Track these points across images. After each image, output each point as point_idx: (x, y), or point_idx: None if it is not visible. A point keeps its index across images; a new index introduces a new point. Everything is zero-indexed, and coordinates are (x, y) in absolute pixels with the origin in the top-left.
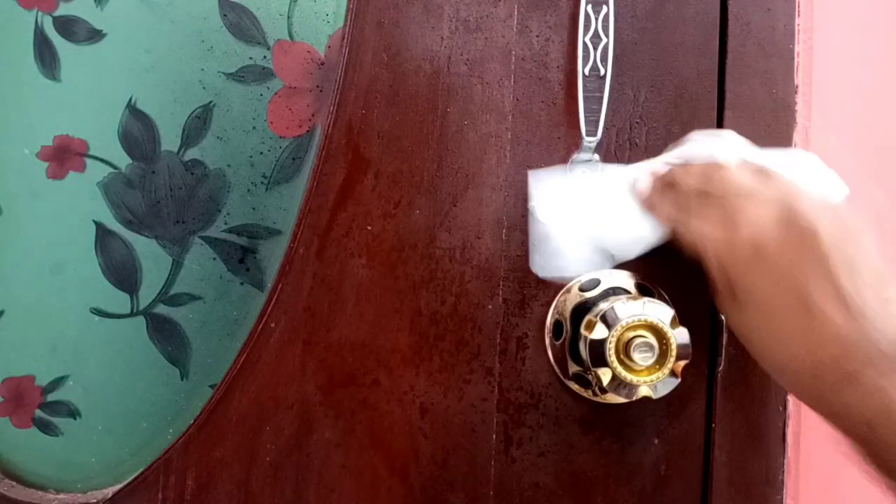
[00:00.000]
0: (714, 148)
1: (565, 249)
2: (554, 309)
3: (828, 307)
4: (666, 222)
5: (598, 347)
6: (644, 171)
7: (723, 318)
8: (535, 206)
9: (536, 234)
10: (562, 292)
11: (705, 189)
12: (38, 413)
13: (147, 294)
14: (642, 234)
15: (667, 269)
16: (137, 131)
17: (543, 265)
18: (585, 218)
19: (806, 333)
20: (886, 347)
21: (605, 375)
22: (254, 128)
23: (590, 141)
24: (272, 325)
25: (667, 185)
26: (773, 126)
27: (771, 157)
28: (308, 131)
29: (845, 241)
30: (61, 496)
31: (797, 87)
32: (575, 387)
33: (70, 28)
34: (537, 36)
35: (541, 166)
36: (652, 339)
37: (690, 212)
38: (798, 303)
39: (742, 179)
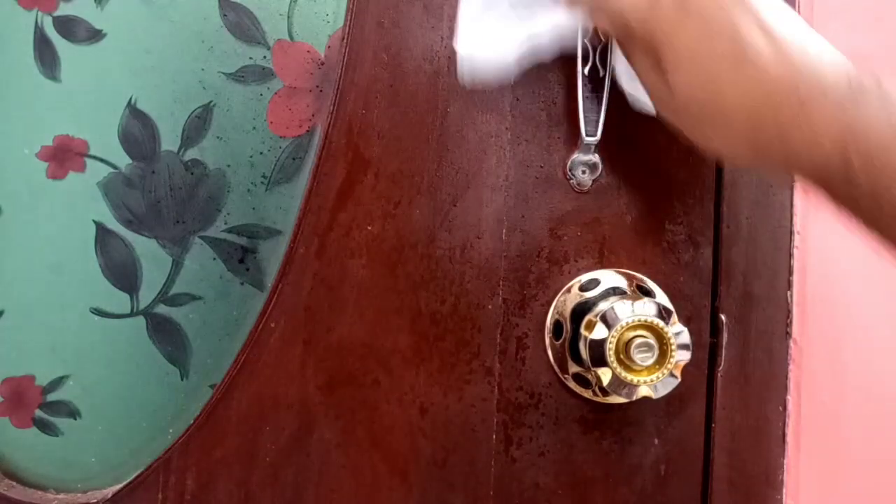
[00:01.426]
0: None
1: (489, 28)
2: (554, 309)
3: (759, 43)
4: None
5: (598, 347)
6: None
7: (661, 115)
8: None
9: (464, 12)
10: (562, 292)
11: None
12: (38, 413)
13: (147, 294)
14: (556, 20)
15: (667, 269)
16: (137, 131)
17: (470, 45)
18: None
19: (743, 79)
20: (831, 75)
21: (605, 375)
22: (254, 128)
23: (590, 141)
24: (272, 325)
25: None
26: None
27: None
28: (308, 131)
29: None
30: (61, 496)
31: None
32: (575, 387)
33: (70, 28)
34: None
35: (541, 166)
36: (652, 339)
37: None
38: (729, 48)
39: None
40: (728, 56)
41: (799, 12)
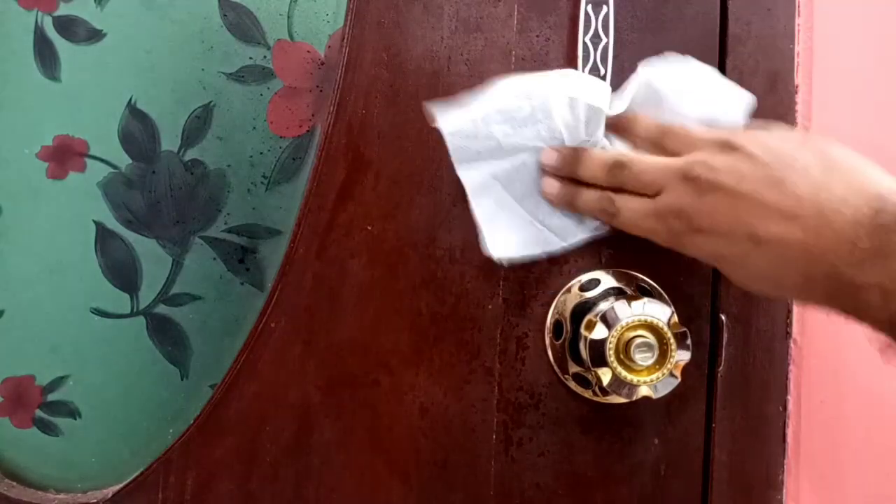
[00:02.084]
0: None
1: (510, 227)
2: (554, 309)
3: (779, 227)
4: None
5: (598, 347)
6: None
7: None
8: (465, 181)
9: (479, 214)
10: (562, 292)
11: (617, 177)
12: (39, 413)
13: (147, 294)
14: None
15: (667, 269)
16: (137, 131)
17: (496, 245)
18: (516, 188)
19: (777, 264)
20: (864, 241)
21: (605, 375)
22: (254, 128)
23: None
24: (272, 325)
25: (571, 185)
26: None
27: (665, 81)
28: (308, 131)
29: (757, 166)
30: (61, 496)
31: (797, 87)
32: (575, 387)
33: (70, 28)
34: (537, 36)
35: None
36: (652, 339)
37: (602, 196)
38: (745, 238)
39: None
40: (744, 241)
41: (799, 12)
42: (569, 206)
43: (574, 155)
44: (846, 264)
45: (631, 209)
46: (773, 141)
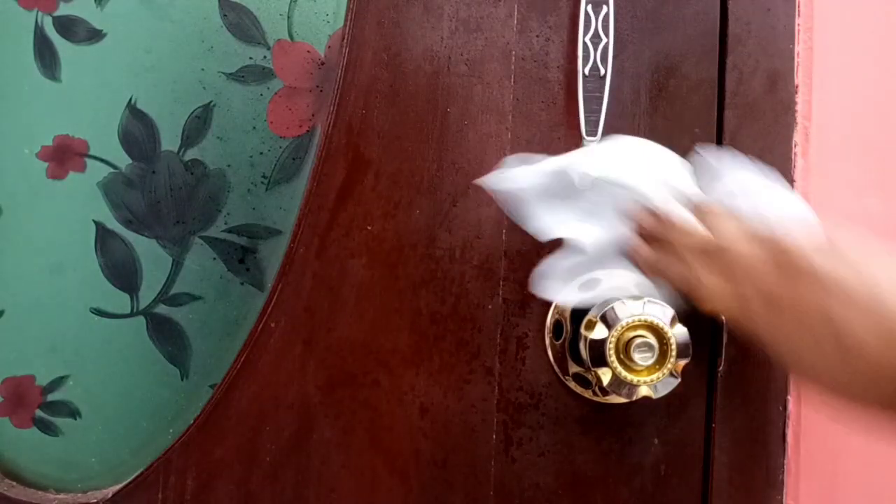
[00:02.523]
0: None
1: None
2: (554, 309)
3: (858, 331)
4: (667, 281)
5: (598, 347)
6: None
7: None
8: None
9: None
10: None
11: (698, 246)
12: (39, 413)
13: (147, 294)
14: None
15: None
16: (137, 131)
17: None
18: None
19: (848, 362)
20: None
21: (605, 375)
22: (254, 128)
23: (590, 141)
24: (272, 325)
25: (654, 241)
26: (773, 126)
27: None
28: (308, 131)
29: (836, 263)
30: (61, 496)
31: (797, 87)
32: (575, 387)
33: (70, 28)
34: (537, 36)
35: None
36: (652, 339)
37: (691, 270)
38: (830, 337)
39: (727, 230)
40: (828, 342)
41: (799, 12)
42: (656, 274)
43: (659, 222)
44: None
45: (719, 291)
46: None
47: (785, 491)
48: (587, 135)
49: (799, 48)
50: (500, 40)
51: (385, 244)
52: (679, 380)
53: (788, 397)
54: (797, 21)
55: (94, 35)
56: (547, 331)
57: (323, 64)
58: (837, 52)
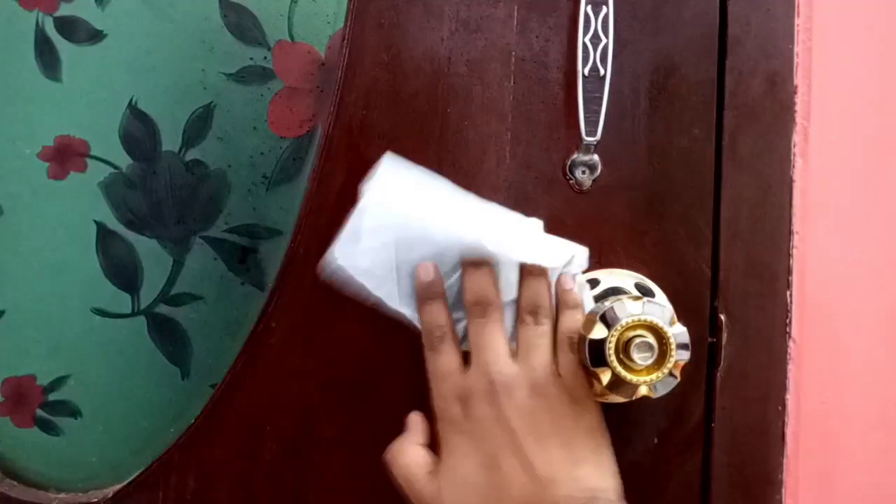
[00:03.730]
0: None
1: (376, 269)
2: None
3: (515, 473)
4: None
5: (597, 347)
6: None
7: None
8: (370, 200)
9: (355, 230)
10: None
11: (473, 320)
12: (39, 412)
13: (148, 294)
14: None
15: (667, 269)
16: (138, 131)
17: (350, 261)
18: (412, 248)
19: (496, 496)
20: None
21: (605, 375)
22: (254, 128)
23: (590, 141)
24: (272, 324)
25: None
26: (772, 126)
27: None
28: (308, 131)
29: (533, 419)
30: (62, 496)
31: (797, 87)
32: None
33: (71, 28)
34: (537, 36)
35: (541, 166)
36: (652, 339)
37: (446, 334)
38: (489, 467)
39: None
40: (484, 475)
41: (799, 12)
42: (421, 299)
43: (474, 263)
44: None
45: (445, 366)
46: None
47: (784, 490)
48: (587, 135)
49: (798, 48)
50: (500, 41)
51: None
52: (679, 380)
53: (788, 397)
54: (797, 21)
55: (95, 35)
56: None
57: (323, 64)
58: (837, 52)
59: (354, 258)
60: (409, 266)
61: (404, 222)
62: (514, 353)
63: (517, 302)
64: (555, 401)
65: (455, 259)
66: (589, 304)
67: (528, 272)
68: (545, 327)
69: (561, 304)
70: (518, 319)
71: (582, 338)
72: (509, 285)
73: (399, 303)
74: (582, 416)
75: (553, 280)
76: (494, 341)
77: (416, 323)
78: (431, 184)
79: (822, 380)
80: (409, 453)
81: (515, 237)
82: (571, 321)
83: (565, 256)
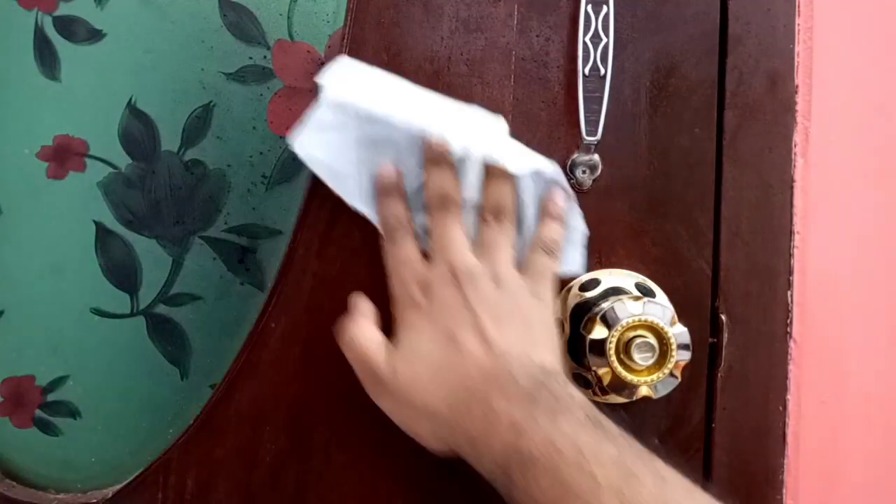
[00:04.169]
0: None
1: (337, 163)
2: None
3: (472, 346)
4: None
5: (598, 347)
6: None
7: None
8: (329, 94)
9: (317, 120)
10: (562, 292)
11: (433, 215)
12: (39, 413)
13: (147, 294)
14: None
15: (667, 269)
16: (137, 131)
17: (308, 150)
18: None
19: (452, 367)
20: (524, 381)
21: (605, 375)
22: (254, 128)
23: (590, 141)
24: (272, 325)
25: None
26: (773, 126)
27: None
28: None
29: (493, 303)
30: (61, 496)
31: (797, 87)
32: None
33: (70, 28)
34: (537, 36)
35: None
36: (652, 339)
37: (406, 225)
38: (447, 341)
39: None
40: (441, 348)
41: (799, 12)
42: (380, 195)
43: (433, 160)
44: (499, 392)
45: (406, 253)
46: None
47: (785, 490)
48: (587, 135)
49: (799, 48)
50: (500, 40)
51: None
52: (679, 380)
53: (788, 397)
54: (797, 21)
55: (94, 35)
56: None
57: (323, 64)
58: (837, 52)
59: (313, 148)
60: (371, 165)
61: (367, 120)
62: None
63: (481, 204)
64: (516, 293)
65: (418, 161)
66: (576, 223)
67: (491, 174)
68: (507, 227)
69: (545, 212)
70: (480, 219)
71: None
72: (472, 187)
73: (359, 201)
74: (541, 310)
75: (522, 186)
76: (456, 234)
77: (376, 222)
78: (393, 82)
79: (823, 380)
80: (366, 332)
81: (481, 137)
82: (550, 230)
83: (531, 165)
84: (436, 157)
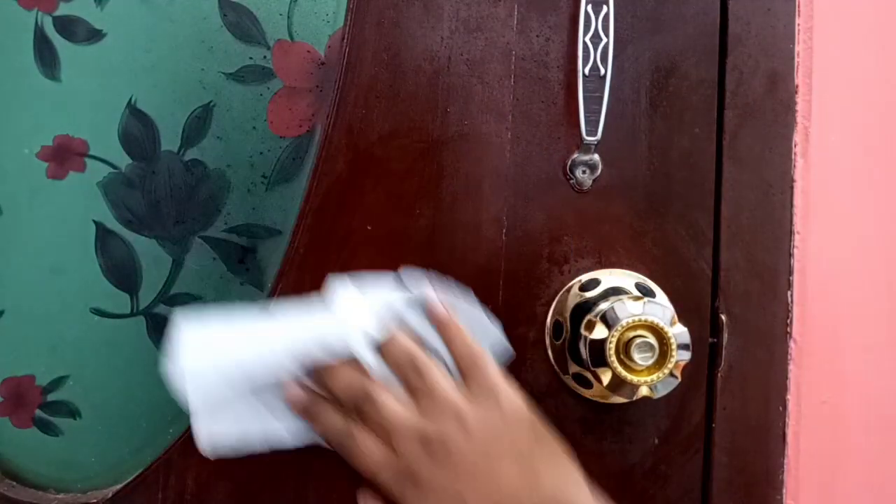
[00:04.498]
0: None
1: (235, 415)
2: (554, 309)
3: None
4: (326, 436)
5: (598, 347)
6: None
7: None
8: (187, 371)
9: (195, 408)
10: (562, 292)
11: (363, 409)
12: (39, 413)
13: (147, 294)
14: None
15: (667, 269)
16: (137, 131)
17: (212, 434)
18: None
19: None
20: None
21: (605, 375)
22: (254, 128)
23: (590, 141)
24: None
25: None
26: (773, 126)
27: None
28: (308, 131)
29: (478, 445)
30: (61, 496)
31: (797, 87)
32: (575, 387)
33: (70, 28)
34: (537, 36)
35: (541, 166)
36: (652, 339)
37: (351, 431)
38: None
39: (390, 406)
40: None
41: (799, 12)
42: (309, 419)
43: (326, 368)
44: None
45: (371, 457)
46: (493, 429)
47: (785, 490)
48: (587, 135)
49: (799, 48)
50: (500, 40)
51: (385, 244)
52: (679, 380)
53: (788, 397)
54: (797, 21)
55: (94, 35)
56: (547, 331)
57: (323, 64)
58: (837, 52)
59: (219, 432)
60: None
61: (229, 368)
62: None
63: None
64: (487, 423)
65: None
66: (466, 306)
67: (384, 342)
68: (428, 365)
69: (438, 325)
70: (402, 382)
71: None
72: (372, 364)
73: (286, 432)
74: (519, 420)
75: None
76: (391, 405)
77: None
78: (231, 326)
79: (823, 380)
80: None
81: (339, 336)
82: (455, 337)
83: (390, 309)
84: (328, 366)
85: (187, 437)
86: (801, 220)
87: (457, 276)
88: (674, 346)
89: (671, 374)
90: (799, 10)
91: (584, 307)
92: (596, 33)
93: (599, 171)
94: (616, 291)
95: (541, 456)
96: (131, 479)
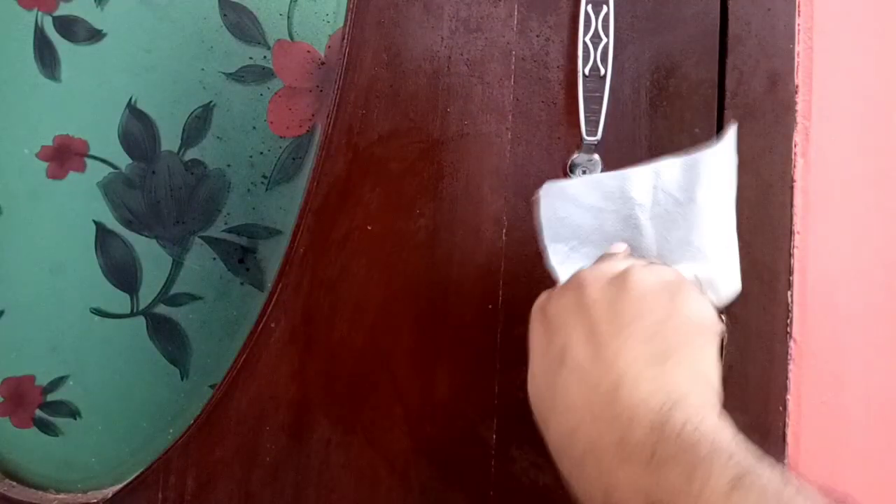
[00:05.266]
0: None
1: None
2: None
3: (580, 354)
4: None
5: None
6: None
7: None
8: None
9: (583, 187)
10: None
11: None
12: (39, 413)
13: (147, 294)
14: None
15: None
16: (137, 131)
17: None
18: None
19: (562, 388)
20: (640, 432)
21: None
22: (254, 128)
23: (590, 141)
24: (272, 325)
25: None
26: (773, 126)
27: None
28: (308, 131)
29: (616, 301)
30: (61, 496)
31: (797, 87)
32: None
33: (70, 28)
34: (537, 36)
35: (541, 166)
36: None
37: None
38: (558, 352)
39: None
40: (556, 360)
41: (799, 12)
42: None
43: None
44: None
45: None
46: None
47: None
48: (587, 135)
49: (799, 48)
50: (500, 40)
51: (385, 244)
52: None
53: (788, 397)
54: (797, 21)
55: (94, 35)
56: None
57: (323, 64)
58: (837, 52)
59: (555, 207)
60: (590, 247)
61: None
62: None
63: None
64: (644, 292)
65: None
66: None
67: None
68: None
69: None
70: None
71: None
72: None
73: (556, 263)
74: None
75: None
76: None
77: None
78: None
79: (823, 380)
80: None
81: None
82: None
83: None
84: None
85: (187, 437)
86: (800, 219)
87: (457, 276)
88: None
89: None
90: (799, 10)
91: None
92: (596, 33)
93: (600, 170)
94: None
95: (674, 362)
96: (131, 479)
